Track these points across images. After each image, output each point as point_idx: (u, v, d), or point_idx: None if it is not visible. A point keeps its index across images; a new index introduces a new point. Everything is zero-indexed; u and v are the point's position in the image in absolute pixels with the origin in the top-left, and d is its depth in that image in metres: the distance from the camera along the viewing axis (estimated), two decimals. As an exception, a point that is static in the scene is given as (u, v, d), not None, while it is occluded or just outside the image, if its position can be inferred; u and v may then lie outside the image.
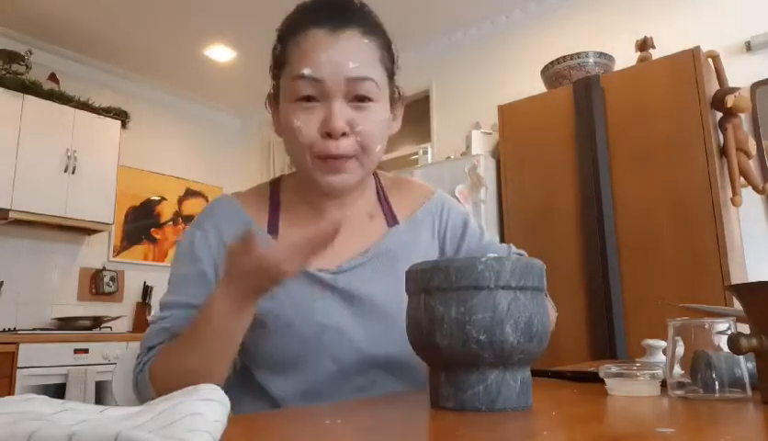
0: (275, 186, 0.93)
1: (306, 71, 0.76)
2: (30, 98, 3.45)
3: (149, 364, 0.77)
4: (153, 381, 0.75)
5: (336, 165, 0.78)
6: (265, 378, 0.83)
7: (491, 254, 0.57)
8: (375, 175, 0.96)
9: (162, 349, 0.77)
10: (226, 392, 0.42)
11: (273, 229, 0.86)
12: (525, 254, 0.94)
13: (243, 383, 0.86)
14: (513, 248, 0.97)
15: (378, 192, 0.94)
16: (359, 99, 0.79)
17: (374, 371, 0.82)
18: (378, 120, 0.81)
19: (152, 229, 4.37)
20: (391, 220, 0.91)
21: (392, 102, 0.86)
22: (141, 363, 0.78)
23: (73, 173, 3.58)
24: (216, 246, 0.84)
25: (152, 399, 0.73)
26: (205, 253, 0.83)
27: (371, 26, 0.82)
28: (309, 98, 0.78)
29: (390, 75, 0.85)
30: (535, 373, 0.73)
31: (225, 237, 0.84)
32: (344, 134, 0.77)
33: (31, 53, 3.59)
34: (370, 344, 0.81)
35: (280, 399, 0.82)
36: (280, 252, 0.63)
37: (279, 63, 0.83)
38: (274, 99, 0.87)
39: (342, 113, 0.77)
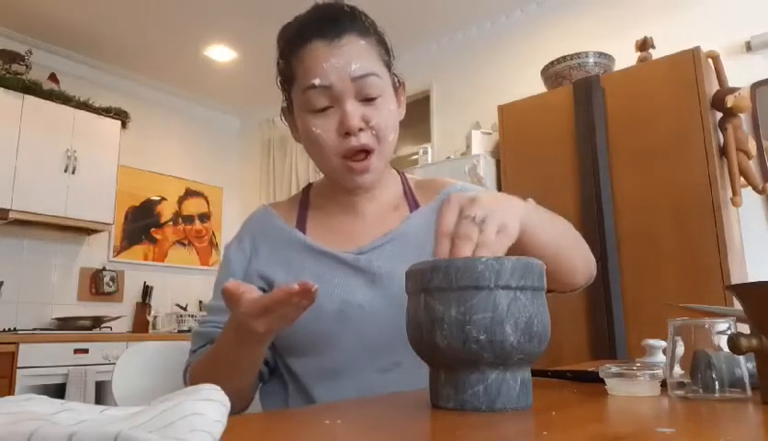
0: (306, 189, 1.03)
1: (315, 81, 0.83)
2: (30, 98, 3.45)
3: (189, 367, 0.84)
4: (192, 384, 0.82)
5: (362, 167, 0.86)
6: (290, 360, 0.88)
7: None
8: (402, 174, 1.03)
9: (198, 356, 0.84)
10: None
11: (301, 225, 0.94)
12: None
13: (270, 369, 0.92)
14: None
15: (404, 187, 1.01)
16: (367, 97, 0.85)
17: (398, 351, 0.83)
18: (388, 111, 0.88)
19: (152, 229, 4.37)
20: (414, 208, 0.97)
21: (395, 90, 0.92)
22: (186, 364, 0.87)
23: (73, 173, 3.58)
24: (249, 251, 0.93)
25: None
26: (238, 259, 0.92)
27: (364, 27, 0.89)
28: (322, 107, 0.84)
29: (389, 67, 0.92)
30: (535, 373, 0.73)
31: (258, 241, 0.93)
32: (360, 129, 0.84)
33: (31, 53, 3.59)
34: (392, 322, 0.83)
35: (305, 379, 0.86)
36: (247, 309, 0.65)
37: (287, 79, 0.90)
38: (288, 112, 0.94)
39: (355, 111, 0.83)
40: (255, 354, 0.76)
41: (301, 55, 0.85)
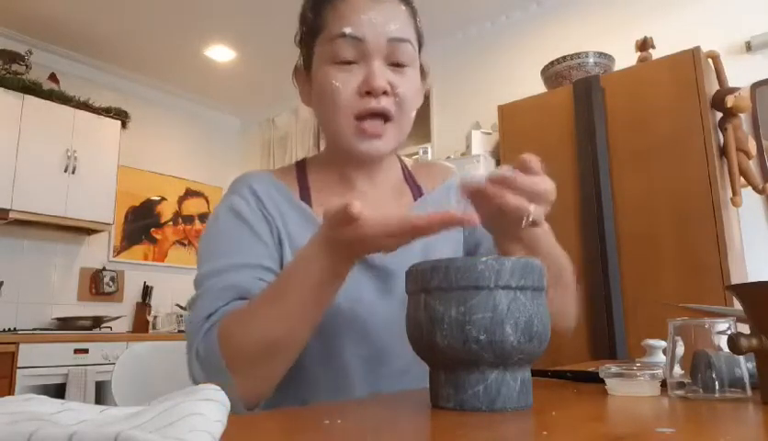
0: (300, 164, 0.92)
1: (347, 30, 0.76)
2: (30, 98, 3.45)
3: (216, 327, 0.67)
4: (225, 346, 0.65)
5: (373, 130, 0.77)
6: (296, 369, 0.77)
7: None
8: (398, 157, 0.96)
9: (235, 310, 0.68)
10: None
11: (305, 197, 0.85)
12: None
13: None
14: None
15: (403, 171, 0.94)
16: (397, 63, 0.79)
17: (408, 355, 0.79)
18: (415, 85, 0.82)
19: (152, 229, 4.38)
20: (418, 194, 0.92)
21: (421, 75, 0.87)
22: (204, 330, 0.68)
23: (73, 173, 3.58)
24: (256, 205, 0.81)
25: (219, 368, 0.64)
26: (250, 212, 0.80)
27: None
28: (347, 60, 0.77)
29: (420, 47, 0.86)
30: (535, 373, 0.73)
31: (263, 197, 0.82)
32: (384, 92, 0.77)
33: (31, 53, 3.59)
34: (401, 321, 0.78)
35: (313, 389, 0.78)
36: (379, 229, 0.58)
37: (312, 30, 0.82)
38: (303, 70, 0.86)
39: (382, 72, 0.77)
40: (337, 284, 0.65)
41: (336, 4, 0.79)
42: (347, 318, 0.78)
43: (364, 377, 0.78)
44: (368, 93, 0.76)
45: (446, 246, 0.88)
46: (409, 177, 0.94)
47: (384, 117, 0.78)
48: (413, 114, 0.83)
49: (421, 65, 0.86)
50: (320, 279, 0.64)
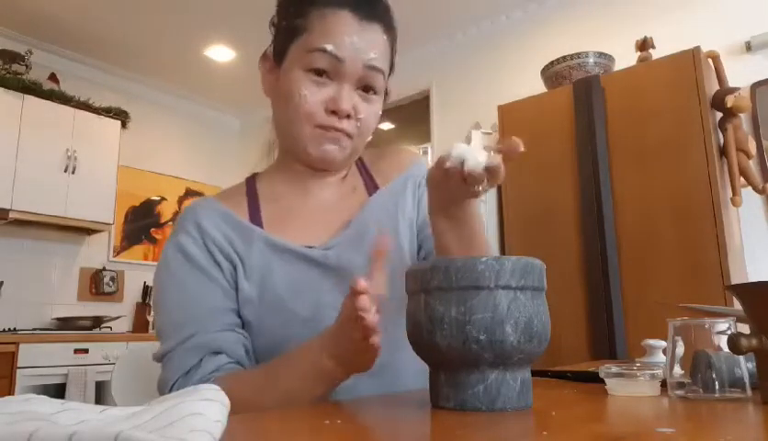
0: (250, 179, 0.94)
1: (330, 47, 0.79)
2: (30, 98, 3.45)
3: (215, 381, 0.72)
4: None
5: (335, 136, 0.81)
6: None
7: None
8: None
9: (230, 376, 0.73)
10: None
11: (255, 218, 0.85)
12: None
13: None
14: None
15: (358, 166, 0.96)
16: (366, 89, 0.83)
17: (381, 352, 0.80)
18: (377, 113, 0.87)
19: (152, 229, 4.37)
20: (372, 189, 0.92)
21: (384, 97, 0.90)
22: (191, 382, 0.73)
23: (73, 173, 3.58)
24: (202, 241, 0.81)
25: None
26: (197, 250, 0.80)
27: (391, 25, 0.87)
28: (320, 73, 0.80)
29: (389, 74, 0.90)
30: (535, 373, 0.73)
31: (209, 229, 0.81)
32: (348, 116, 0.81)
33: (31, 53, 3.59)
34: None
35: None
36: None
37: (294, 29, 0.83)
38: (273, 59, 0.87)
39: (350, 97, 0.81)
40: (327, 389, 0.69)
41: (327, 15, 0.80)
42: (311, 322, 0.78)
43: None
44: (333, 112, 0.80)
45: (402, 244, 0.88)
46: (364, 172, 0.95)
47: (344, 134, 0.83)
48: (369, 137, 0.88)
49: (386, 89, 0.90)
50: (313, 383, 0.68)
